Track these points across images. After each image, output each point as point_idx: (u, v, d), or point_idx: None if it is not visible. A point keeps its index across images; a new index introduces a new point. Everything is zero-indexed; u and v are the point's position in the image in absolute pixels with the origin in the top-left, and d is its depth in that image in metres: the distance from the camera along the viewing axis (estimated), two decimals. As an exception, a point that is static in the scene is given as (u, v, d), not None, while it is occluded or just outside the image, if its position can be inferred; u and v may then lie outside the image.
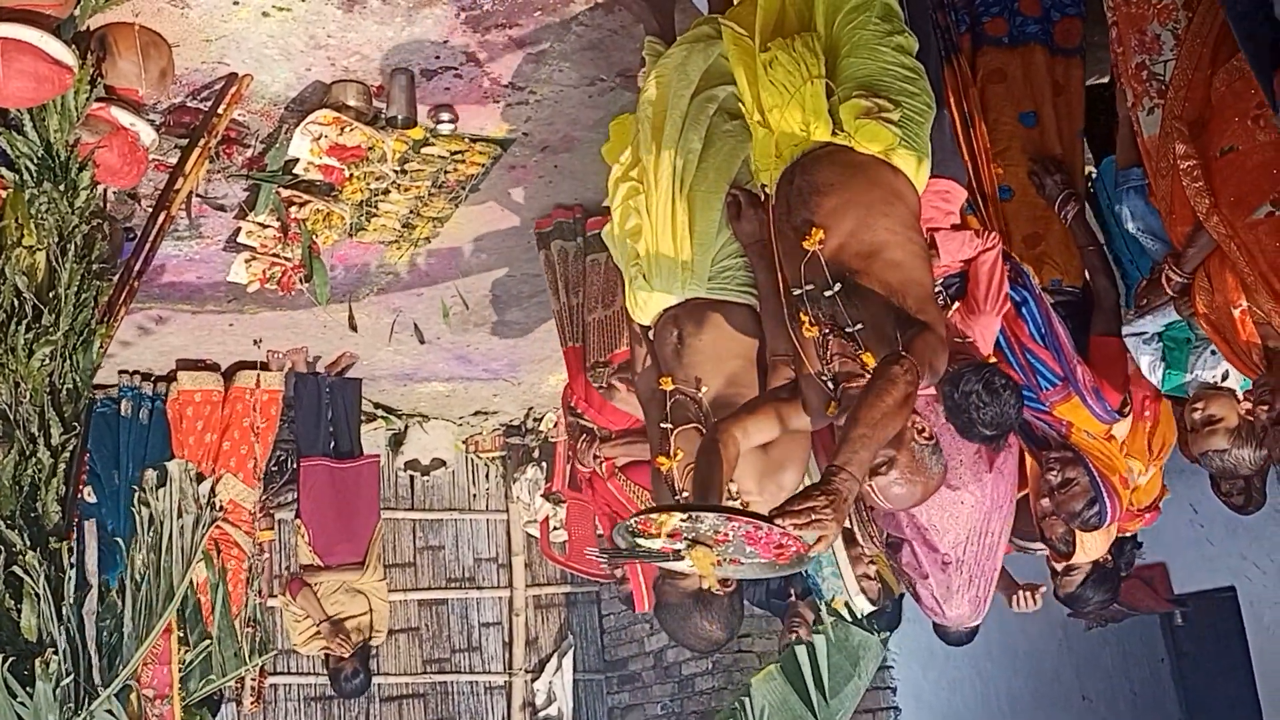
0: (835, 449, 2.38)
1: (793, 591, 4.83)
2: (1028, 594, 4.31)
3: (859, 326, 2.55)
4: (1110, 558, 4.08)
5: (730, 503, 2.83)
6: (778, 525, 2.23)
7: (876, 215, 2.63)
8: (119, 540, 3.24)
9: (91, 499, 5.44)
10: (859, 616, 4.45)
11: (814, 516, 2.23)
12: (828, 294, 2.59)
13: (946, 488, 3.47)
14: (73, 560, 2.99)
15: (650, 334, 3.30)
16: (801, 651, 4.36)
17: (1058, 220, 3.44)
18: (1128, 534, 4.16)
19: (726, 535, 2.33)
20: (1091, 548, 3.77)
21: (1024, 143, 3.49)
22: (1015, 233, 3.44)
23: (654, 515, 2.33)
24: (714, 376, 3.09)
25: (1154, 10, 2.83)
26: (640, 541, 2.38)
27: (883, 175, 2.69)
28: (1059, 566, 4.02)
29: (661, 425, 3.11)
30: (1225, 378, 3.17)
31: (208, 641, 2.85)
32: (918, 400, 2.59)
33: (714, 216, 3.11)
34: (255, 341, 5.75)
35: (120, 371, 5.81)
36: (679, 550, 2.38)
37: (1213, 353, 3.08)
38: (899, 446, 2.50)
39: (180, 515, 2.91)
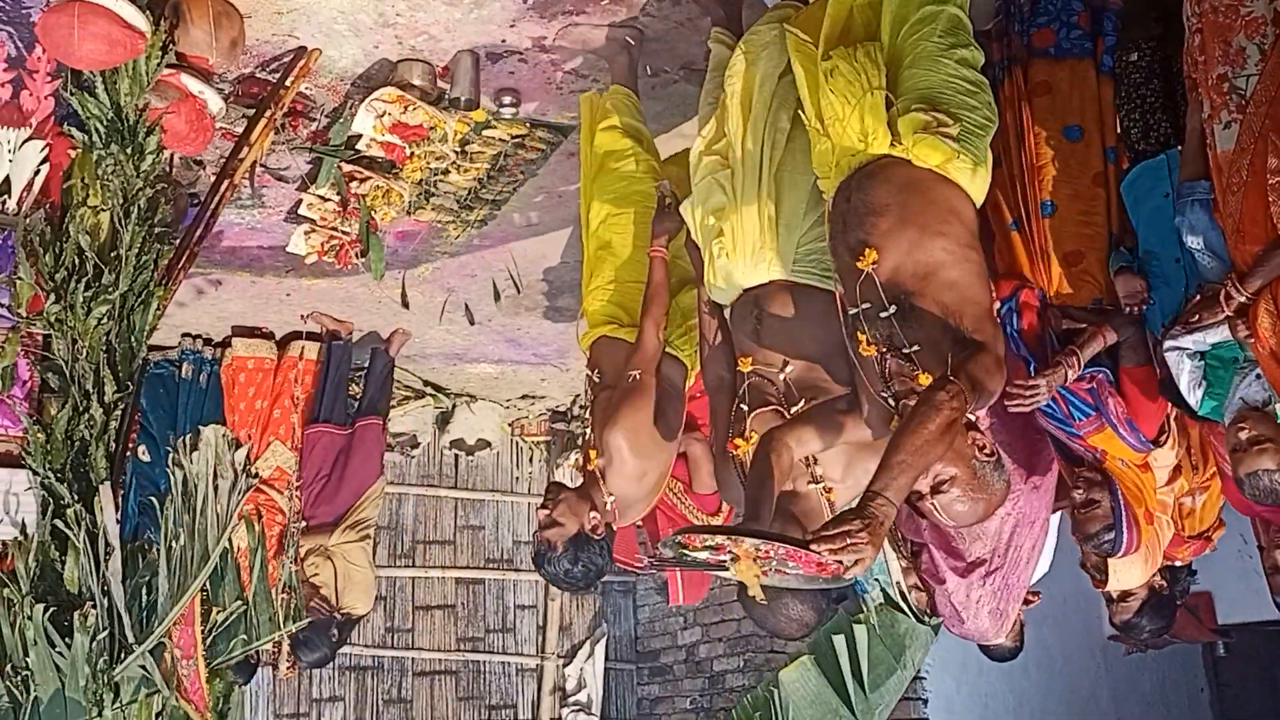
0: (875, 474, 2.38)
1: (831, 593, 4.79)
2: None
3: (915, 348, 2.55)
4: (1166, 584, 4.01)
5: (812, 487, 2.91)
6: (813, 551, 2.25)
7: (932, 235, 2.61)
8: (154, 500, 3.29)
9: (146, 458, 5.54)
10: (911, 607, 4.31)
11: (849, 541, 2.25)
12: (883, 315, 2.59)
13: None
14: (119, 516, 3.06)
15: (728, 313, 3.29)
16: (840, 641, 4.18)
17: (1100, 238, 3.37)
18: (1177, 562, 4.10)
19: (768, 553, 2.36)
20: (1125, 578, 3.72)
21: (1067, 157, 3.42)
22: (1056, 250, 3.36)
23: (698, 535, 2.39)
24: (794, 359, 3.06)
25: (1241, 22, 2.75)
26: (686, 552, 2.43)
27: (939, 192, 2.66)
28: (1114, 594, 3.97)
29: (740, 406, 3.09)
30: (1268, 404, 3.10)
31: (239, 603, 2.89)
32: (979, 415, 2.58)
33: (802, 197, 3.08)
34: (303, 317, 5.81)
35: (183, 335, 5.90)
36: (724, 561, 2.42)
37: (1257, 376, 3.00)
38: (960, 463, 2.47)
39: (216, 479, 2.96)
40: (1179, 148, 3.15)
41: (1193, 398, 3.13)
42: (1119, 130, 3.41)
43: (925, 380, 2.52)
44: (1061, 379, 3.24)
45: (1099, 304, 3.33)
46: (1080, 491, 3.45)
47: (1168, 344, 3.08)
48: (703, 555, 2.42)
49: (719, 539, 2.38)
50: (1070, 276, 3.34)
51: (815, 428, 2.86)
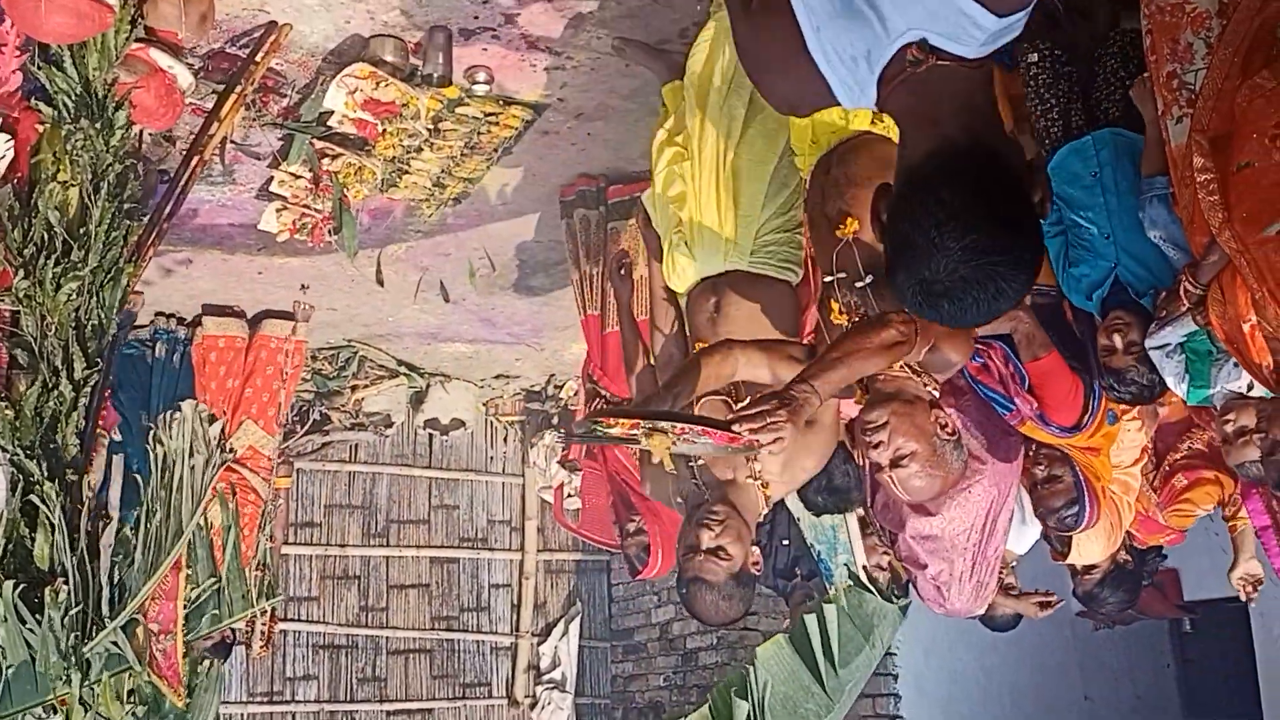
0: (808, 365, 2.47)
1: (799, 572, 4.84)
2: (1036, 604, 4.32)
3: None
4: (1130, 559, 4.08)
5: (751, 482, 2.94)
6: (735, 432, 2.34)
7: None
8: (139, 478, 3.29)
9: (118, 437, 5.51)
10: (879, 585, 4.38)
11: (768, 421, 2.33)
12: (859, 285, 2.61)
13: (956, 490, 3.49)
14: (91, 493, 3.04)
15: (684, 301, 3.30)
16: (811, 620, 4.30)
17: None
18: (1146, 545, 4.17)
19: (683, 431, 2.44)
20: (1086, 551, 3.78)
21: None
22: None
23: (616, 418, 2.47)
24: None
25: (1188, 19, 2.79)
26: (599, 429, 2.49)
27: None
28: (1078, 566, 4.03)
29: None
30: (1251, 388, 3.15)
31: (214, 580, 2.89)
32: (943, 390, 2.61)
33: (760, 187, 3.09)
34: (302, 287, 5.75)
35: (156, 314, 5.86)
36: (637, 435, 2.48)
37: (1234, 365, 3.06)
38: (921, 439, 2.50)
39: (192, 455, 2.95)
40: (1106, 129, 3.19)
41: (1180, 390, 3.19)
42: (1036, 130, 3.41)
43: None
44: None
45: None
46: (1042, 468, 3.52)
47: (1149, 343, 3.13)
48: (615, 431, 2.48)
49: (648, 423, 2.44)
50: None
51: (767, 356, 2.86)
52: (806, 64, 1.54)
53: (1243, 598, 4.08)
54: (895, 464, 2.54)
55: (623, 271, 3.69)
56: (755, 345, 2.89)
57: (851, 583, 4.29)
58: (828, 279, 2.69)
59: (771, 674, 4.38)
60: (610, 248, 4.51)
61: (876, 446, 2.54)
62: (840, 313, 2.67)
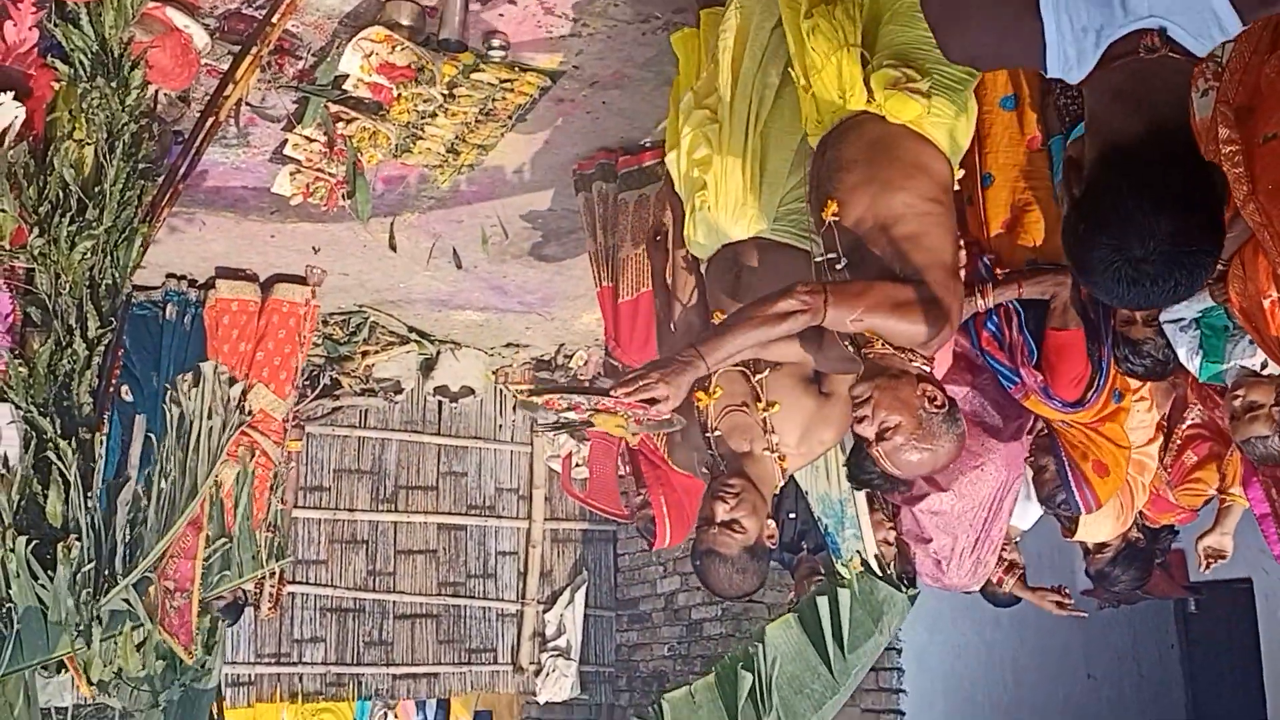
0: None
1: (805, 546, 4.86)
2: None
3: None
4: (1142, 537, 4.08)
5: (768, 454, 3.02)
6: (614, 396, 2.49)
7: (894, 190, 2.64)
8: (151, 437, 3.31)
9: (129, 398, 5.53)
10: (888, 572, 4.41)
11: (642, 384, 2.49)
12: (839, 266, 2.62)
13: (970, 457, 3.49)
14: (102, 452, 3.06)
15: (704, 267, 3.30)
16: (823, 602, 4.31)
17: (1038, 202, 3.38)
18: (1158, 524, 4.17)
19: (611, 406, 2.57)
20: (1094, 530, 3.78)
21: (1004, 127, 3.41)
22: (994, 219, 3.38)
23: (541, 396, 2.68)
24: None
25: None
26: (558, 416, 2.66)
27: (908, 148, 2.69)
28: (1089, 544, 4.03)
29: None
30: (1265, 366, 3.14)
31: (224, 540, 2.91)
32: (934, 365, 2.62)
33: (787, 156, 3.08)
34: (314, 249, 5.74)
35: (167, 275, 5.88)
36: (587, 418, 2.63)
37: (1250, 341, 3.05)
38: (904, 412, 2.51)
39: (210, 416, 2.97)
40: None
41: (1193, 365, 3.18)
42: (1058, 106, 3.39)
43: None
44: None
45: (1035, 264, 3.34)
46: (1031, 458, 3.53)
47: (1163, 317, 3.12)
48: (571, 415, 2.64)
49: (559, 400, 2.63)
50: (1007, 242, 3.35)
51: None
52: (1027, 22, 1.56)
53: (1199, 565, 4.08)
54: (880, 437, 2.55)
55: (659, 239, 3.70)
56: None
57: (864, 569, 4.33)
58: (817, 259, 2.70)
59: (780, 652, 4.42)
60: (621, 219, 4.50)
61: (861, 421, 2.56)
62: None
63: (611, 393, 2.47)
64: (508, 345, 7.38)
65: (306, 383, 6.67)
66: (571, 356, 7.42)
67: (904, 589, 4.34)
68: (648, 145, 4.62)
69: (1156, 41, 1.50)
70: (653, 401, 2.50)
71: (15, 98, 3.06)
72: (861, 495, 4.30)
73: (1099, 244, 1.52)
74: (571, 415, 2.64)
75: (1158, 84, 1.53)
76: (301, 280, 5.95)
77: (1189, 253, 1.49)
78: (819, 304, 2.47)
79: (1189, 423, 3.92)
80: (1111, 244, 1.50)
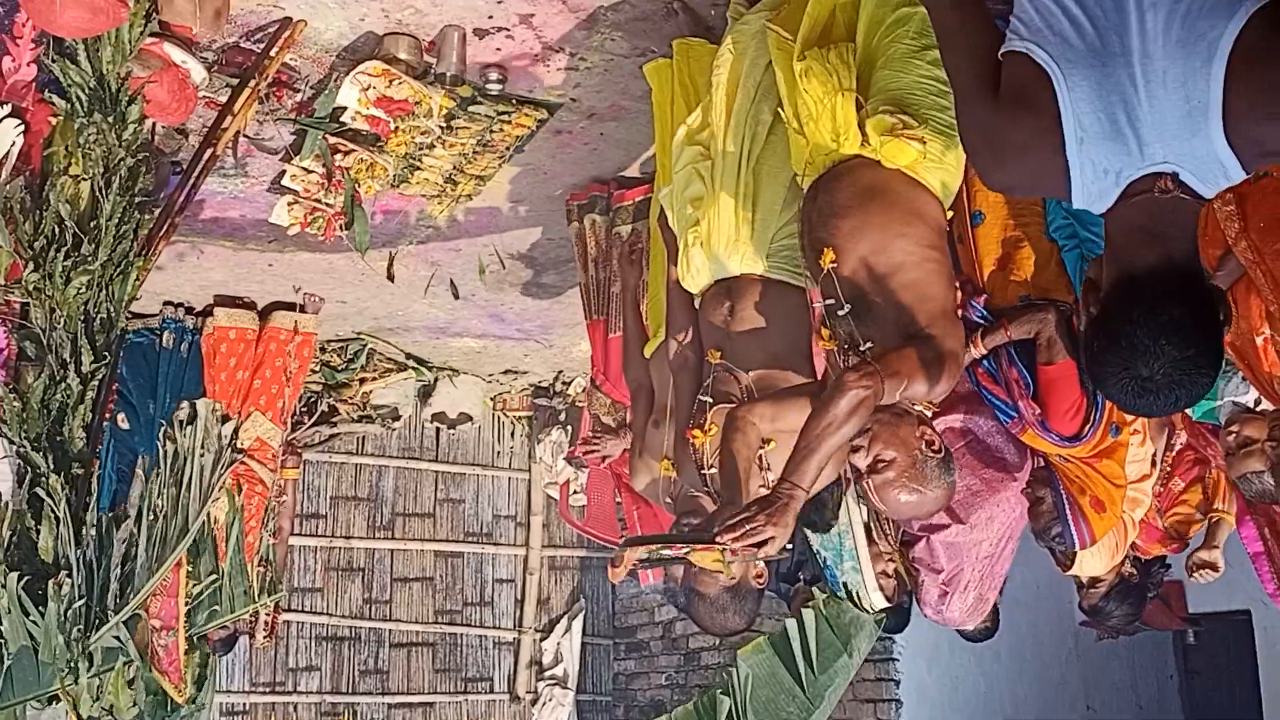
0: (788, 460, 2.51)
1: (802, 576, 4.84)
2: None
3: (869, 345, 2.58)
4: (1135, 572, 4.07)
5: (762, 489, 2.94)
6: (719, 543, 2.43)
7: (892, 237, 2.64)
8: (142, 470, 3.30)
9: (125, 426, 5.52)
10: (862, 603, 4.41)
11: (748, 528, 2.41)
12: (841, 313, 2.63)
13: (989, 491, 3.49)
14: (95, 485, 3.05)
15: (698, 303, 3.30)
16: (792, 625, 4.38)
17: (1028, 239, 3.39)
18: (1150, 556, 4.16)
19: (679, 549, 2.55)
20: (1089, 565, 3.78)
21: None
22: (986, 256, 3.39)
23: (633, 549, 2.61)
24: (760, 355, 3.08)
25: None
26: (653, 557, 2.62)
27: (903, 194, 2.69)
28: (1083, 579, 4.02)
29: (700, 398, 3.11)
30: (1258, 403, 3.14)
31: (214, 576, 2.90)
32: (934, 409, 2.62)
33: (779, 192, 3.09)
34: (295, 289, 5.79)
35: (164, 303, 5.88)
36: (684, 555, 2.59)
37: (1242, 378, 3.05)
38: (901, 449, 2.51)
39: (203, 454, 2.96)
40: None
41: None
42: None
43: None
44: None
45: (1026, 299, 3.35)
46: (1028, 490, 3.53)
47: None
48: (668, 553, 2.60)
49: (642, 551, 2.60)
50: (1000, 279, 3.36)
51: (779, 408, 2.87)
52: (1054, 162, 1.76)
53: (1188, 575, 4.06)
54: (872, 469, 2.57)
55: (634, 256, 3.69)
56: (765, 402, 2.90)
57: (829, 594, 4.37)
58: (815, 305, 2.71)
59: (753, 673, 4.45)
60: (614, 253, 4.51)
61: (857, 451, 2.57)
62: (829, 339, 2.69)
63: (718, 540, 2.43)
64: (506, 372, 7.38)
65: (304, 409, 6.67)
66: (570, 383, 7.42)
67: (868, 611, 4.39)
68: (641, 178, 4.63)
69: (1170, 185, 1.69)
70: (763, 544, 2.45)
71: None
72: (860, 529, 4.29)
73: (1111, 362, 1.72)
74: (667, 553, 2.63)
75: (1170, 222, 1.73)
76: (300, 308, 5.96)
77: (1190, 374, 1.69)
78: (878, 384, 2.46)
79: (1176, 448, 3.93)
80: (1122, 363, 1.70)
